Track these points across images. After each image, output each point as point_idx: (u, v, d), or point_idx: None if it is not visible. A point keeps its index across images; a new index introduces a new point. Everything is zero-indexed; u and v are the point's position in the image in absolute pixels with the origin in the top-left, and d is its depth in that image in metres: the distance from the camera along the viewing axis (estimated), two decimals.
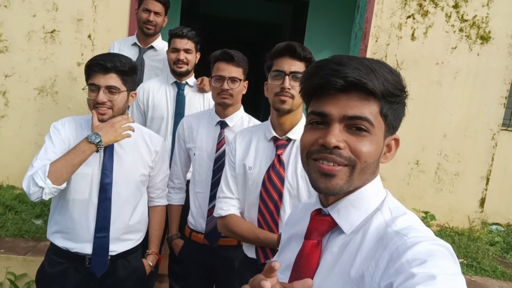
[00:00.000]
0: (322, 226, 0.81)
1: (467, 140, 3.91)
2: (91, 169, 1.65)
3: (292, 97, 1.43)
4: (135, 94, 1.76)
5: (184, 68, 2.40)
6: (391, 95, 0.74)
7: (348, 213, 0.78)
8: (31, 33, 3.49)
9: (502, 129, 4.23)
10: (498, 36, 3.78)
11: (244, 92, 1.94)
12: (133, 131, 1.66)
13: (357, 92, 0.73)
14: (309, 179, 0.79)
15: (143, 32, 2.70)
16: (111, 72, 1.60)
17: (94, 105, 1.61)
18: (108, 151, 1.66)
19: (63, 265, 1.68)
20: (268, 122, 1.57)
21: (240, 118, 1.95)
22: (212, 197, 1.89)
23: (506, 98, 3.88)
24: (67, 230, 1.66)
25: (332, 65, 0.74)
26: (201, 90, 2.48)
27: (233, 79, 1.83)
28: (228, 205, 1.59)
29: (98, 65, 1.59)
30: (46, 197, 1.52)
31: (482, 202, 4.00)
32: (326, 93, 0.75)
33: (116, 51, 2.76)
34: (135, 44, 2.76)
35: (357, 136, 0.74)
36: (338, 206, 0.79)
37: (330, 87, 0.73)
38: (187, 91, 2.47)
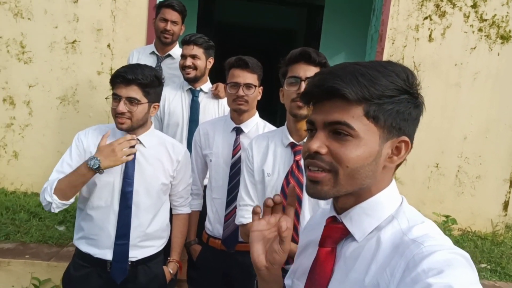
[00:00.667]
0: (335, 233, 0.81)
1: (488, 142, 3.82)
2: (113, 177, 1.70)
3: None
4: (158, 106, 1.79)
5: (192, 74, 2.40)
6: (378, 97, 0.73)
7: (361, 221, 0.78)
8: (53, 44, 3.60)
9: None
10: None
11: (259, 98, 1.95)
12: (135, 152, 1.71)
13: (338, 99, 0.74)
14: None
15: (160, 41, 2.74)
16: (133, 84, 1.65)
17: (115, 114, 1.67)
18: (130, 160, 1.70)
19: (87, 269, 1.73)
20: (284, 128, 1.58)
21: (255, 124, 1.96)
22: (229, 203, 1.91)
23: None
24: (90, 236, 1.72)
25: (320, 75, 0.78)
26: (216, 96, 2.50)
27: (248, 86, 1.85)
28: (249, 213, 1.59)
29: (120, 77, 1.64)
30: (55, 211, 1.63)
31: (506, 205, 3.90)
32: (314, 101, 0.79)
33: (135, 60, 2.82)
34: (153, 52, 2.81)
35: (339, 141, 0.75)
36: (351, 214, 0.79)
37: (311, 96, 0.78)
38: (202, 98, 2.49)
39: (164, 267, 1.87)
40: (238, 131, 1.94)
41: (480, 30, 3.72)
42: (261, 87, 1.95)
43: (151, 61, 2.76)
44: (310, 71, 1.43)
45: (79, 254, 1.76)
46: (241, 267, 1.90)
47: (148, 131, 1.78)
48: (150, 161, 1.76)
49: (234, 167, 1.91)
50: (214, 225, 1.96)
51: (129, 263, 1.73)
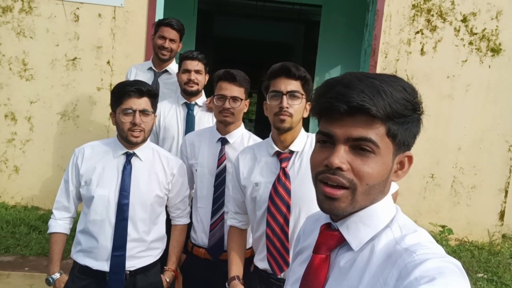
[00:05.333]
0: (330, 241, 0.81)
1: (482, 152, 3.87)
2: (108, 190, 1.75)
3: (291, 115, 1.49)
4: (156, 116, 1.88)
5: (195, 87, 2.51)
6: (399, 116, 0.73)
7: (357, 229, 0.78)
8: (54, 61, 3.70)
9: None
10: (509, 48, 3.78)
11: (246, 110, 2.01)
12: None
13: (362, 115, 0.73)
14: (316, 199, 0.80)
15: (158, 57, 2.83)
16: (145, 96, 1.73)
17: (128, 128, 1.72)
18: (127, 173, 1.76)
19: (86, 281, 1.78)
20: (269, 139, 1.63)
21: (240, 135, 2.01)
22: (214, 212, 1.96)
23: None
24: (88, 249, 1.76)
25: (339, 88, 0.74)
26: (210, 109, 2.57)
27: (234, 98, 1.90)
28: (235, 221, 1.72)
29: (134, 90, 1.71)
30: None
31: (502, 215, 3.92)
32: (332, 115, 0.76)
33: (133, 75, 2.90)
34: (150, 68, 2.89)
35: (361, 157, 0.74)
36: (348, 222, 0.79)
37: (335, 112, 0.74)
38: (197, 111, 2.57)
39: (161, 276, 1.91)
40: (224, 141, 1.99)
41: (470, 43, 3.80)
42: (248, 100, 2.01)
43: (148, 77, 2.83)
44: (291, 85, 1.49)
45: (77, 267, 1.80)
46: (225, 276, 1.94)
47: (144, 144, 1.84)
48: (146, 174, 1.82)
49: (219, 177, 1.96)
50: (199, 234, 2.00)
51: (128, 273, 1.77)
